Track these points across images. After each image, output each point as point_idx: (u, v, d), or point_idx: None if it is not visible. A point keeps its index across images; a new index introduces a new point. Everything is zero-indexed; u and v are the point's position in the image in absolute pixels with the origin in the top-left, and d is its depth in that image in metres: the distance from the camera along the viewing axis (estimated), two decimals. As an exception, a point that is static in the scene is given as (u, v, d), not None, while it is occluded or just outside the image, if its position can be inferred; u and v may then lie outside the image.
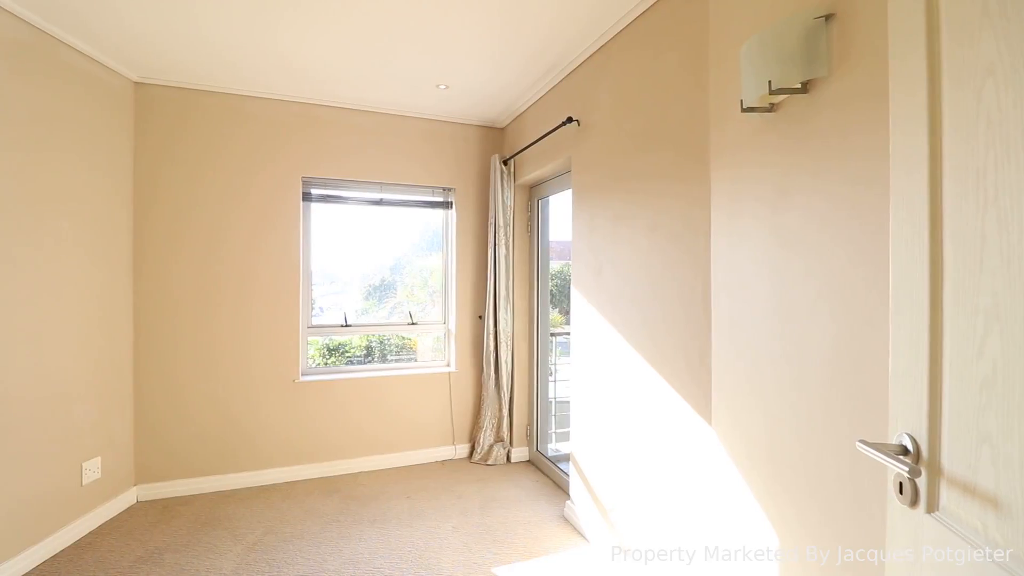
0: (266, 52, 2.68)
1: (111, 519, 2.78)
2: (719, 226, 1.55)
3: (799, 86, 1.23)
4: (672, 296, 2.00)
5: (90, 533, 2.62)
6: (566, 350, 3.87)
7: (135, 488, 3.00)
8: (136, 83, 3.00)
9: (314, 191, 3.52)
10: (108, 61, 2.75)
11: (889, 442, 0.83)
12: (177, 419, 3.10)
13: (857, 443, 0.84)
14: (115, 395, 2.87)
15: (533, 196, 3.74)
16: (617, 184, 2.40)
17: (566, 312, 4.01)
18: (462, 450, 3.78)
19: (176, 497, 3.06)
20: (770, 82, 1.23)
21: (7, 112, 2.21)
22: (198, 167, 3.14)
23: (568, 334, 3.55)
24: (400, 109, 3.57)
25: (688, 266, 1.91)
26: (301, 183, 3.41)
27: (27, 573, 2.27)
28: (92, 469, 2.68)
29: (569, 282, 2.98)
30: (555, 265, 3.90)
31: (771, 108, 1.34)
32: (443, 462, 3.68)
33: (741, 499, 1.44)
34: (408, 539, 2.59)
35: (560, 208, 3.68)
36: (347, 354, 3.82)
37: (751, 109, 1.35)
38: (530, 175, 3.46)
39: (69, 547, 2.48)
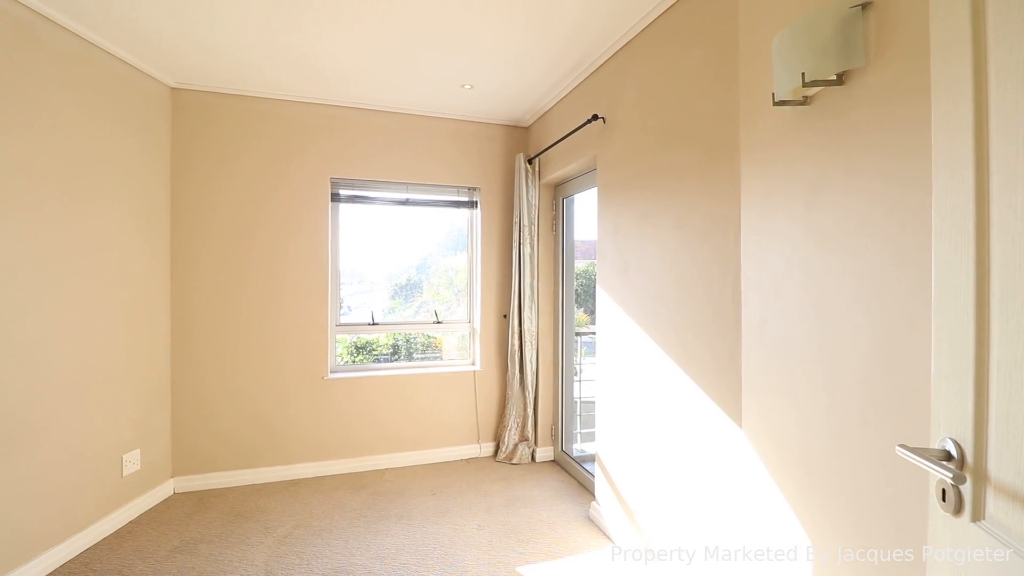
0: (294, 57, 2.74)
1: (149, 510, 2.89)
2: (749, 224, 1.51)
3: (834, 78, 1.19)
4: (700, 295, 1.96)
5: (129, 523, 2.73)
6: (591, 350, 3.85)
7: (172, 480, 3.11)
8: (173, 88, 3.10)
9: (342, 191, 3.59)
10: (147, 68, 2.85)
11: (931, 447, 0.80)
12: (211, 414, 3.20)
13: (897, 447, 0.81)
14: (153, 390, 2.98)
15: (558, 195, 3.72)
16: (643, 182, 2.37)
17: (591, 311, 3.98)
18: (487, 448, 3.80)
19: (211, 489, 3.16)
20: (803, 74, 1.19)
21: (57, 118, 2.32)
22: (230, 168, 3.23)
23: (593, 333, 3.52)
24: (425, 110, 3.60)
25: (717, 265, 1.87)
26: (329, 184, 3.47)
27: (71, 560, 2.37)
28: (132, 461, 2.78)
29: (594, 281, 2.95)
30: (580, 264, 3.88)
31: (804, 101, 1.30)
32: (468, 460, 3.70)
33: (771, 501, 1.41)
34: (434, 536, 2.62)
35: (585, 207, 3.66)
36: (374, 352, 3.87)
37: (783, 102, 1.31)
38: (555, 174, 3.44)
39: (110, 536, 2.59)
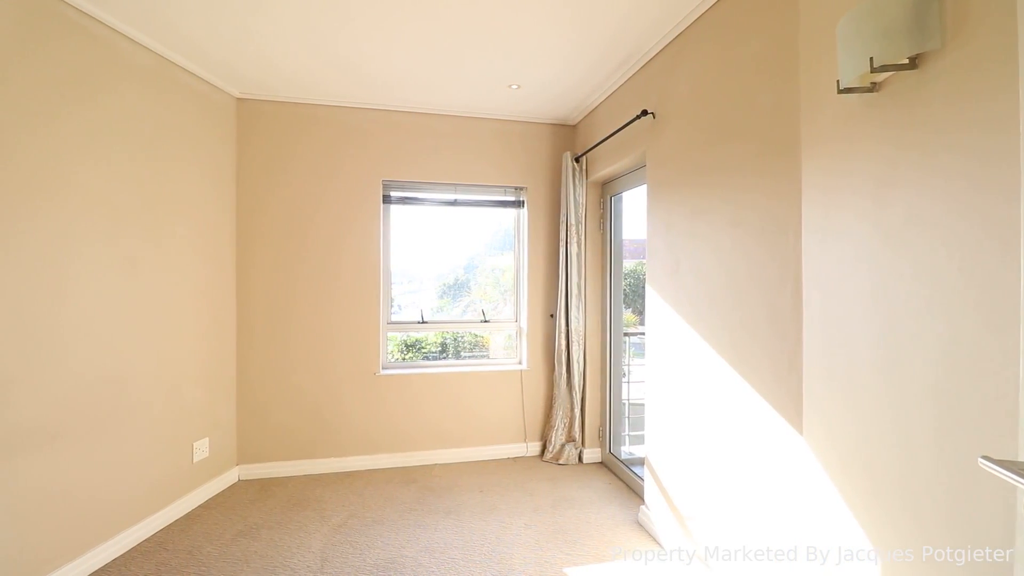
0: (344, 66, 2.84)
1: (216, 495, 3.07)
2: (811, 222, 1.44)
3: (906, 62, 1.11)
4: (756, 296, 1.88)
5: (199, 507, 2.91)
6: (640, 351, 3.77)
7: (237, 468, 3.30)
8: (238, 99, 3.29)
9: (393, 193, 3.69)
10: (215, 80, 3.04)
11: (1019, 459, 0.73)
12: (272, 406, 3.37)
13: (979, 460, 0.74)
14: (221, 382, 3.17)
15: (605, 193, 3.67)
16: (695, 179, 2.30)
17: (640, 312, 3.90)
18: (534, 448, 3.80)
19: (272, 478, 3.33)
20: (872, 59, 1.12)
21: (137, 127, 2.51)
22: (290, 173, 3.39)
23: (642, 334, 3.45)
24: (472, 111, 3.64)
25: (775, 264, 1.79)
26: (381, 185, 3.58)
27: (146, 540, 2.56)
28: (201, 448, 2.97)
29: (643, 281, 2.90)
30: (628, 264, 3.81)
31: (873, 88, 1.22)
32: (514, 459, 3.72)
33: (834, 513, 1.33)
34: (481, 532, 2.64)
35: (633, 205, 3.59)
36: (423, 350, 3.96)
37: (849, 90, 1.24)
38: (602, 171, 3.40)
39: (181, 518, 2.78)
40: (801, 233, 1.50)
